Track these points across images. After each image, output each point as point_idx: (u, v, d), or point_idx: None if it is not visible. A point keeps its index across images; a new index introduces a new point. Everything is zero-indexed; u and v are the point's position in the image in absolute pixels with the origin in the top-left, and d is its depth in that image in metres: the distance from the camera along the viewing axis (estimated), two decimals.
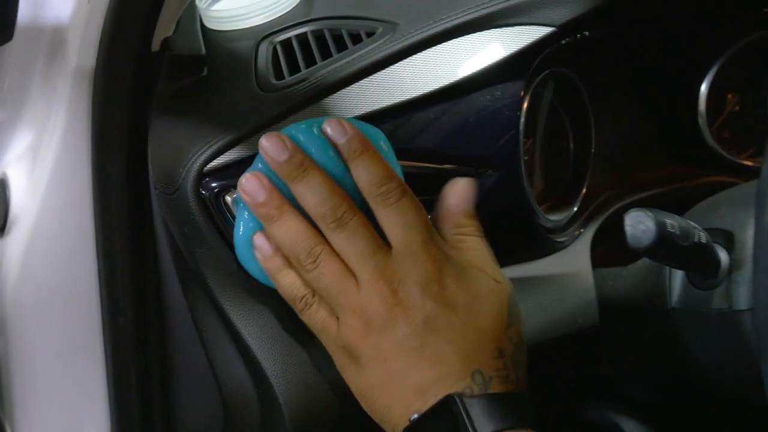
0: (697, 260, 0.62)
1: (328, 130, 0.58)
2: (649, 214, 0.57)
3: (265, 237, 0.58)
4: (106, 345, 0.70)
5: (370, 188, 0.57)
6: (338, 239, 0.56)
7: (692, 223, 0.61)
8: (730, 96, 0.90)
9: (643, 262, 0.75)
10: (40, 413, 0.73)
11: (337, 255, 0.57)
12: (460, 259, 0.58)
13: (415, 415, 0.54)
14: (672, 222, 0.58)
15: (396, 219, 0.57)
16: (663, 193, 0.85)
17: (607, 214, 0.81)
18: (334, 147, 0.58)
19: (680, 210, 0.64)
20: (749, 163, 0.88)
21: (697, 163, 0.89)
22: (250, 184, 0.57)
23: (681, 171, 0.89)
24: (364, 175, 0.57)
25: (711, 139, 0.88)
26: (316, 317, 0.58)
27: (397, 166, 0.61)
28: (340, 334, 0.57)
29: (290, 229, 0.57)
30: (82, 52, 0.65)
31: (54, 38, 0.69)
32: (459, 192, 0.61)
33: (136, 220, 0.68)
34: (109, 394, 0.71)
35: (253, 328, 0.62)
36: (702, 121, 0.87)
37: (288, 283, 0.58)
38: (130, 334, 0.70)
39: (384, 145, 0.61)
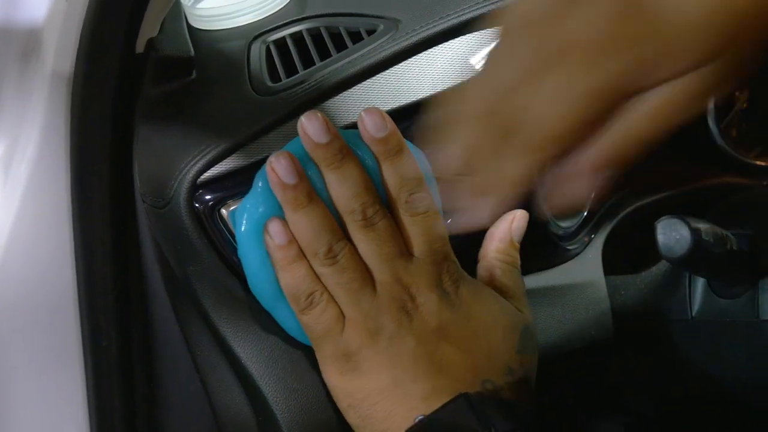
0: (729, 269, 0.59)
1: (366, 119, 0.54)
2: (683, 220, 0.53)
3: (282, 224, 0.54)
4: (87, 368, 0.65)
5: (400, 192, 0.55)
6: (363, 238, 0.54)
7: (722, 230, 0.57)
8: (737, 93, 0.87)
9: (659, 269, 0.71)
10: None
11: (358, 254, 0.55)
12: (482, 281, 0.59)
13: (421, 416, 0.52)
14: (706, 229, 0.54)
15: (421, 229, 0.55)
16: (673, 195, 0.81)
17: (617, 218, 0.77)
18: (369, 139, 0.55)
19: (694, 213, 0.61)
20: (761, 163, 0.85)
21: (705, 163, 0.86)
22: (282, 163, 0.53)
23: (689, 171, 0.85)
24: (397, 176, 0.55)
25: (720, 138, 0.84)
26: (320, 318, 0.54)
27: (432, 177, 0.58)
28: (344, 338, 0.54)
29: (315, 219, 0.54)
30: (59, 55, 0.60)
31: (28, 41, 0.64)
32: (512, 221, 0.62)
33: (119, 237, 0.63)
34: (90, 423, 0.66)
35: (252, 350, 0.58)
36: (711, 119, 0.84)
37: (300, 275, 0.54)
38: (113, 356, 0.65)
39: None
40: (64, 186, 0.62)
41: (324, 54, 0.64)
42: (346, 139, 0.55)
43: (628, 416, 0.79)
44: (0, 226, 0.65)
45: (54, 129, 0.62)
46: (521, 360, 0.57)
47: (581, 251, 0.74)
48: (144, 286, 0.64)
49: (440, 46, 0.62)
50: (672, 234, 0.54)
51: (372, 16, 0.66)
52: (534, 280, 0.70)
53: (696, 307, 0.66)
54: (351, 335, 0.54)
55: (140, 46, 0.61)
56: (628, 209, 0.78)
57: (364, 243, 0.54)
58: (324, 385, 0.58)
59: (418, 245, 0.55)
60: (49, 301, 0.65)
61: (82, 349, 0.65)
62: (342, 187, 0.54)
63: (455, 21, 0.62)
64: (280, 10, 0.71)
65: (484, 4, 0.63)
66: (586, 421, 0.81)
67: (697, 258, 0.54)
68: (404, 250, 0.55)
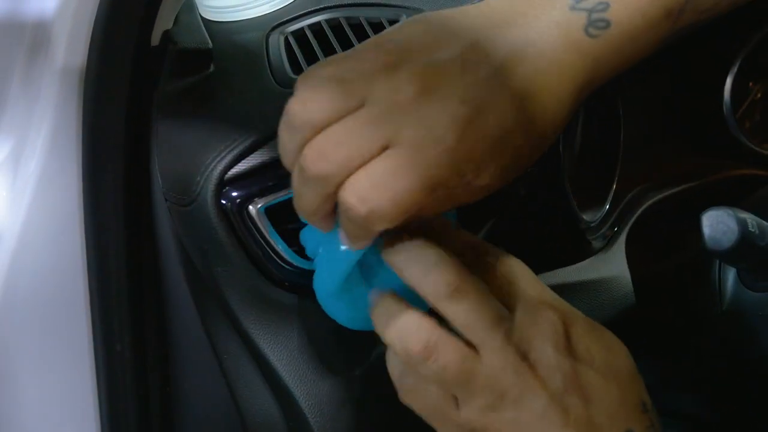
0: None
1: None
2: (730, 212, 0.52)
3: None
4: (99, 375, 0.63)
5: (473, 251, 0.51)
6: (455, 311, 0.48)
7: (764, 222, 0.56)
8: (751, 84, 0.86)
9: (685, 261, 0.70)
10: None
11: (450, 332, 0.49)
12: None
13: None
14: (751, 220, 0.53)
15: (512, 279, 0.50)
16: (693, 187, 0.80)
17: (638, 212, 0.76)
18: None
19: (714, 205, 0.59)
20: None
21: (722, 155, 0.85)
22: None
23: (707, 164, 0.84)
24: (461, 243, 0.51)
25: (736, 129, 0.83)
26: (425, 399, 0.49)
27: None
28: (464, 417, 0.49)
29: (400, 326, 0.49)
30: (70, 49, 0.57)
31: (36, 34, 0.61)
32: None
33: (134, 237, 0.61)
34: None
35: (283, 353, 0.56)
36: (727, 111, 0.83)
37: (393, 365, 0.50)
38: (128, 361, 0.63)
39: None
40: (75, 185, 0.60)
41: (345, 45, 0.62)
42: None
43: (664, 419, 0.78)
44: (9, 226, 0.63)
45: (64, 126, 0.59)
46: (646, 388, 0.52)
47: (604, 246, 0.73)
48: (162, 287, 0.61)
49: None
50: (719, 226, 0.52)
51: (393, 6, 0.64)
52: (558, 277, 0.69)
53: (727, 300, 0.64)
54: (472, 413, 0.49)
55: (155, 39, 0.58)
56: (649, 202, 0.78)
57: (457, 315, 0.48)
58: (358, 390, 0.56)
59: (515, 299, 0.50)
60: (60, 304, 0.62)
61: (94, 354, 0.63)
62: (411, 264, 0.49)
63: None
64: (294, 1, 0.69)
65: None
66: None
67: (743, 251, 0.53)
68: (502, 309, 0.49)
